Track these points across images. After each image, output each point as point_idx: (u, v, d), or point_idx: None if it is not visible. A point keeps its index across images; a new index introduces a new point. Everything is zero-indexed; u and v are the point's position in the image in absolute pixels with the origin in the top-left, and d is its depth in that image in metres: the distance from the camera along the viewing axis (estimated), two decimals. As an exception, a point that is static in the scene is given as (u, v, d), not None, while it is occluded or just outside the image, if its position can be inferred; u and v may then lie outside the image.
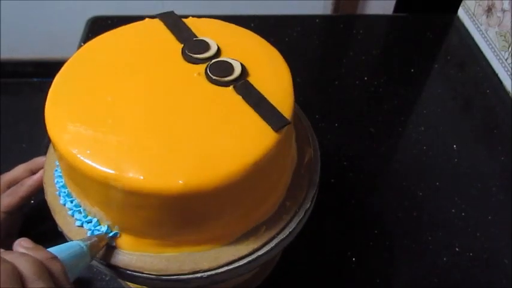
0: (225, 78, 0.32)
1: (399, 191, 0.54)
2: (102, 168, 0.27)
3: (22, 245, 0.26)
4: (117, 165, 0.27)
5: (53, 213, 0.34)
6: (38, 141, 0.69)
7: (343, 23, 0.79)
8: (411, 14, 0.81)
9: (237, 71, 0.32)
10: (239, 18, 0.39)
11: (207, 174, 0.27)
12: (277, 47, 0.36)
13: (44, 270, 0.25)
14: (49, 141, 0.30)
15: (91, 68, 0.34)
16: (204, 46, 0.34)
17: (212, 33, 0.36)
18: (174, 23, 0.37)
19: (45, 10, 1.37)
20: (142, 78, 0.33)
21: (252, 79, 0.32)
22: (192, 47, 0.34)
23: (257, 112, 0.30)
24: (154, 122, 0.30)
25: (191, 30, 0.36)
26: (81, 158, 0.27)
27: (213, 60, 0.33)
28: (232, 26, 0.38)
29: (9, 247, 0.42)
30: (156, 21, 0.38)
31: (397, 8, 1.08)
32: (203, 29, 0.36)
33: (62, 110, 0.30)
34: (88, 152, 0.28)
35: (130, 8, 1.26)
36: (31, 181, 0.42)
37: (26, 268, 0.24)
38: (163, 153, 0.28)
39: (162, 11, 0.38)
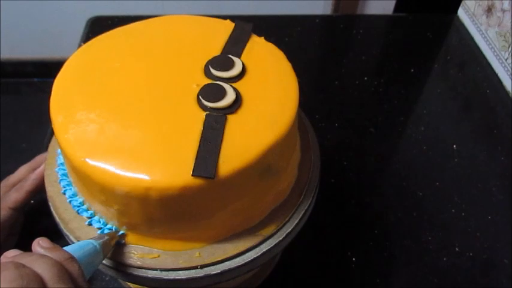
0: (215, 103, 0.30)
1: (399, 191, 0.54)
2: (107, 169, 0.27)
3: (41, 245, 0.26)
4: (122, 166, 0.27)
5: (55, 212, 0.34)
6: (38, 141, 0.70)
7: (343, 23, 0.79)
8: (411, 14, 0.81)
9: (229, 99, 0.31)
10: (239, 18, 0.39)
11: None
12: (277, 47, 0.36)
13: (64, 271, 0.25)
14: (49, 140, 0.30)
15: (96, 65, 0.34)
16: (228, 64, 0.33)
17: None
18: (240, 34, 0.36)
19: (45, 10, 1.37)
20: (147, 77, 0.33)
21: (254, 82, 0.32)
22: (217, 63, 0.33)
23: (199, 146, 0.28)
24: (155, 122, 0.30)
25: (241, 48, 0.35)
26: (89, 161, 0.28)
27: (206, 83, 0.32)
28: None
29: (10, 246, 0.42)
30: (166, 18, 0.38)
31: (397, 8, 1.08)
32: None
33: (67, 111, 0.30)
34: (94, 153, 0.28)
35: (130, 8, 1.26)
36: (34, 175, 0.42)
37: (45, 271, 0.24)
38: (165, 153, 0.28)
39: (162, 11, 0.38)
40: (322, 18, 0.82)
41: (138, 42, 0.36)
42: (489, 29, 0.69)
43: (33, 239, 0.27)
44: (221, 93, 0.31)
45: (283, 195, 0.35)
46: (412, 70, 0.69)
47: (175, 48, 0.35)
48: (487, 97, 0.66)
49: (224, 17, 0.39)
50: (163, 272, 0.31)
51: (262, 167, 0.30)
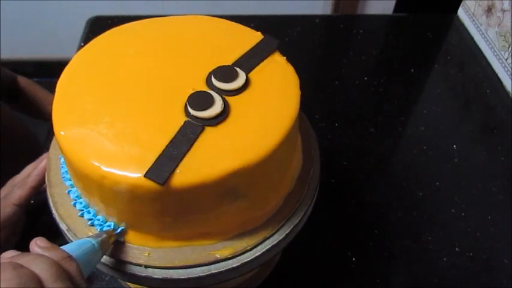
0: (197, 112, 0.30)
1: (399, 191, 0.54)
2: (107, 169, 0.27)
3: (38, 244, 0.26)
4: (122, 166, 0.27)
5: (55, 209, 0.34)
6: (38, 141, 0.70)
7: (343, 23, 0.79)
8: (411, 14, 0.81)
9: (216, 109, 0.30)
10: (239, 18, 0.39)
11: (207, 171, 0.27)
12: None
13: (61, 271, 0.25)
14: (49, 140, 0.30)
15: (98, 66, 0.34)
16: (231, 76, 0.32)
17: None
18: (262, 49, 0.35)
19: (45, 10, 1.37)
20: (149, 78, 0.33)
21: (250, 100, 0.32)
22: (220, 73, 0.32)
23: (162, 151, 0.28)
24: (144, 123, 0.30)
25: (256, 64, 0.34)
26: (91, 161, 0.28)
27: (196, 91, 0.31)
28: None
29: (11, 246, 0.42)
30: (191, 18, 0.38)
31: (397, 8, 1.09)
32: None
33: (68, 113, 0.31)
34: (92, 153, 0.28)
35: (130, 8, 1.26)
36: (37, 171, 0.42)
37: (43, 271, 0.24)
38: (139, 152, 0.28)
39: (162, 11, 0.38)
40: (322, 18, 0.82)
41: (152, 41, 0.36)
42: (489, 29, 0.69)
43: (34, 238, 0.27)
44: (208, 103, 0.30)
45: (283, 198, 0.35)
46: (412, 70, 0.69)
47: (190, 50, 0.35)
48: (487, 97, 0.66)
49: (224, 17, 0.39)
50: (162, 271, 0.31)
51: (224, 190, 0.29)
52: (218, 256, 0.31)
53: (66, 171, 0.35)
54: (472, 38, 0.74)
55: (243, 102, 0.31)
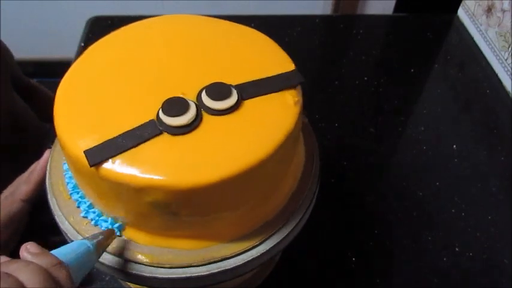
0: (164, 115, 0.29)
1: (399, 191, 0.54)
2: (111, 169, 0.27)
3: (28, 250, 0.26)
4: (126, 165, 0.27)
5: (54, 205, 0.34)
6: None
7: (343, 23, 0.79)
8: (411, 14, 0.81)
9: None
10: (239, 18, 0.39)
11: (210, 173, 0.27)
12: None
13: (48, 279, 0.24)
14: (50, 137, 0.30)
15: (101, 67, 0.34)
16: (224, 94, 0.31)
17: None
18: (280, 81, 0.33)
19: (45, 10, 1.37)
20: (148, 81, 0.33)
21: (226, 125, 0.30)
22: (212, 89, 0.31)
23: (117, 136, 0.29)
24: (135, 118, 0.30)
25: (263, 93, 0.32)
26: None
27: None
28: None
29: (13, 244, 0.42)
30: (169, 17, 0.38)
31: (397, 8, 1.08)
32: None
33: (70, 113, 0.31)
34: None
35: (130, 8, 1.26)
36: (40, 166, 0.42)
37: (29, 280, 0.23)
38: (171, 154, 0.28)
39: (162, 11, 0.38)
40: (322, 18, 0.82)
41: (163, 41, 0.36)
42: (489, 29, 0.69)
43: (34, 238, 0.27)
44: (182, 110, 0.29)
45: (286, 199, 0.35)
46: (412, 70, 0.69)
47: (200, 56, 0.34)
48: (487, 97, 0.66)
49: (224, 17, 0.39)
50: (163, 271, 0.31)
51: (223, 193, 0.29)
52: (218, 256, 0.31)
53: (70, 177, 0.35)
54: (472, 38, 0.74)
55: (229, 120, 0.30)
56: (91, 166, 0.27)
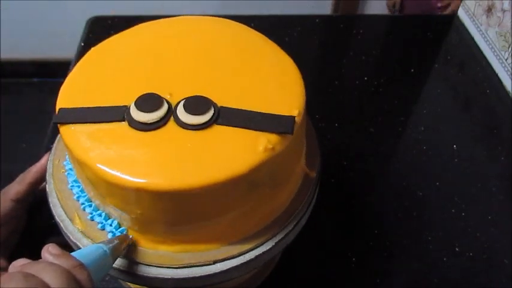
0: (136, 110, 0.30)
1: (399, 191, 0.54)
2: (115, 173, 0.28)
3: (50, 251, 0.26)
4: (131, 170, 0.28)
5: (58, 210, 0.34)
6: (38, 141, 0.70)
7: (343, 23, 0.79)
8: (411, 14, 0.81)
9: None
10: (239, 18, 0.39)
11: (210, 176, 0.28)
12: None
13: (72, 279, 0.25)
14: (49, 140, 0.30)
15: (103, 68, 0.34)
16: (199, 110, 0.30)
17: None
18: (270, 123, 0.30)
19: (45, 10, 1.38)
20: (146, 82, 0.33)
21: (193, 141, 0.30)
22: (190, 103, 0.31)
23: (86, 108, 0.31)
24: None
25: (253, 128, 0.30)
26: (100, 166, 0.28)
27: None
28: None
29: (12, 243, 0.42)
30: (173, 20, 0.38)
31: (397, 8, 1.08)
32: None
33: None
34: (103, 157, 0.29)
35: (130, 8, 1.26)
36: (35, 167, 0.42)
37: (53, 279, 0.24)
38: (173, 157, 0.29)
39: (162, 11, 0.38)
40: (322, 18, 0.82)
41: (170, 44, 0.36)
42: (489, 29, 0.69)
43: (34, 237, 0.27)
44: (151, 109, 0.30)
45: (288, 200, 0.35)
46: (412, 70, 0.69)
47: (207, 68, 0.34)
48: (487, 97, 0.66)
49: (224, 17, 0.39)
50: (162, 270, 0.31)
51: (226, 195, 0.29)
52: (218, 256, 0.31)
53: (75, 180, 0.35)
54: (472, 38, 0.74)
55: (189, 136, 0.30)
56: (53, 123, 0.28)
